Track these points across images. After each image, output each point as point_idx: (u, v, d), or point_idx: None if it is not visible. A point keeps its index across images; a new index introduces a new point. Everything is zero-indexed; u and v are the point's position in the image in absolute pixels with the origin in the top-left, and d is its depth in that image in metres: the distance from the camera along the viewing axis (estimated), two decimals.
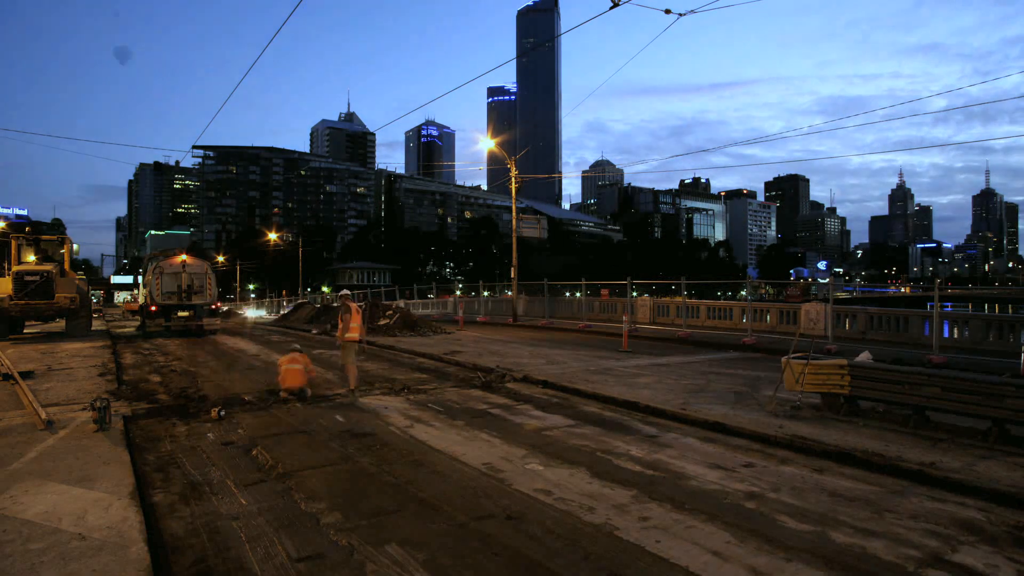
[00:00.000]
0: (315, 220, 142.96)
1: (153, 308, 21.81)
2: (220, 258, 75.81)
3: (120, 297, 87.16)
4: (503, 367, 12.49)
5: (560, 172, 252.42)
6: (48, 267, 20.44)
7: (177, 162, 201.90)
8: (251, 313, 54.86)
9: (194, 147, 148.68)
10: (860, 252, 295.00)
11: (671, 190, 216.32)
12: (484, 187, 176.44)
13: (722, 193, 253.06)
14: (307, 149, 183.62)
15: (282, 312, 42.81)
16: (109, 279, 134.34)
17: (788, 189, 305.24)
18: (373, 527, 4.76)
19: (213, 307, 23.08)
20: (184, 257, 22.59)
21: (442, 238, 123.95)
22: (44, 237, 23.41)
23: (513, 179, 28.23)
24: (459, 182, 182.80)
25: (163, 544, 4.49)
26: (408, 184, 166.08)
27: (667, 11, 14.65)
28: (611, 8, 13.88)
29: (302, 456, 6.73)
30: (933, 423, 7.31)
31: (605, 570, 4.06)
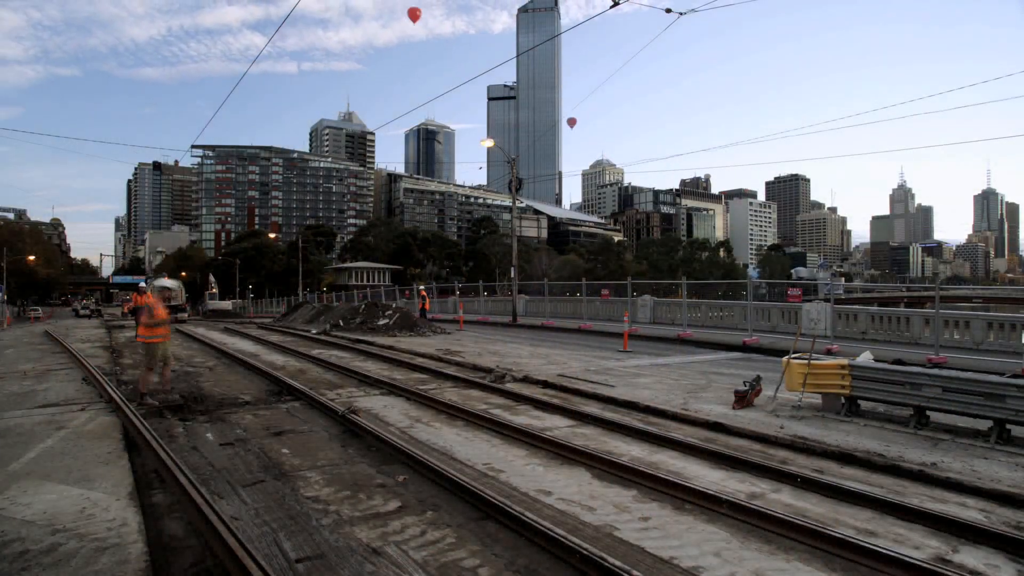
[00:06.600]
0: (315, 219, 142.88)
1: None
2: (219, 257, 75.98)
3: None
4: (503, 367, 12.47)
5: (560, 172, 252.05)
6: None
7: (176, 162, 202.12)
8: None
9: (193, 146, 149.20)
10: (861, 252, 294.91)
11: (671, 190, 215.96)
12: (484, 187, 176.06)
13: (722, 193, 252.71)
14: (307, 148, 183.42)
15: (281, 312, 42.95)
16: (109, 279, 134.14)
17: (788, 189, 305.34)
18: (372, 528, 4.75)
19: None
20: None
21: (442, 238, 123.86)
22: None
23: (513, 179, 28.23)
24: (459, 181, 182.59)
25: (162, 544, 4.48)
26: (408, 184, 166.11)
27: (668, 10, 14.66)
28: (612, 7, 13.86)
29: (302, 456, 6.72)
30: (934, 423, 7.30)
31: (606, 571, 4.04)
